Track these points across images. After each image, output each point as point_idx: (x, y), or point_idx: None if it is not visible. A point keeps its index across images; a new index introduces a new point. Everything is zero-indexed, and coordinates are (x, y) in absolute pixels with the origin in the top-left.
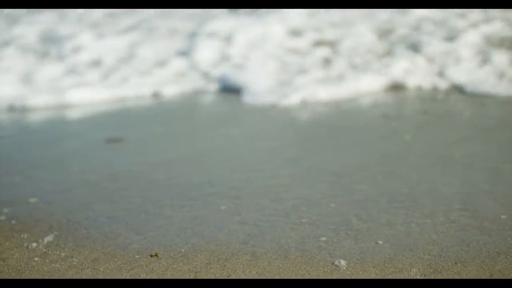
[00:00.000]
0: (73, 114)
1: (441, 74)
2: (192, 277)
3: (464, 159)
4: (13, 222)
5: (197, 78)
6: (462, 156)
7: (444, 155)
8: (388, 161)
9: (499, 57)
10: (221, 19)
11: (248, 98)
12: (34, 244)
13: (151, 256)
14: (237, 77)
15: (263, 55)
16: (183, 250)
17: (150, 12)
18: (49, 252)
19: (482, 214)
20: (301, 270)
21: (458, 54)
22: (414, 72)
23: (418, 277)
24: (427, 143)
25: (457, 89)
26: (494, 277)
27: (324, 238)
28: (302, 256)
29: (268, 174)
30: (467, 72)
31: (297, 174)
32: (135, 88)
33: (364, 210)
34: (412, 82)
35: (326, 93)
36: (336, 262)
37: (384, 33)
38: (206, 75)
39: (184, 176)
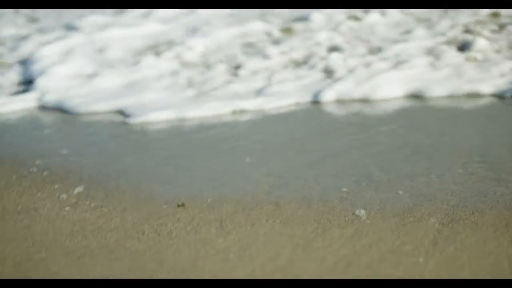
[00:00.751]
0: None
1: None
2: (217, 226)
3: (484, 112)
4: (45, 173)
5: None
6: (482, 110)
7: (465, 108)
8: (409, 115)
9: None
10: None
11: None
12: (65, 195)
13: (178, 206)
14: None
15: None
16: (209, 200)
17: None
18: (80, 202)
19: (500, 166)
20: (323, 219)
21: None
22: None
23: (437, 226)
24: (449, 97)
25: None
26: (510, 226)
27: (345, 189)
28: (324, 206)
29: (293, 127)
30: None
31: (321, 127)
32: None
33: (385, 162)
34: None
35: None
36: (356, 212)
37: None
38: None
39: (210, 130)
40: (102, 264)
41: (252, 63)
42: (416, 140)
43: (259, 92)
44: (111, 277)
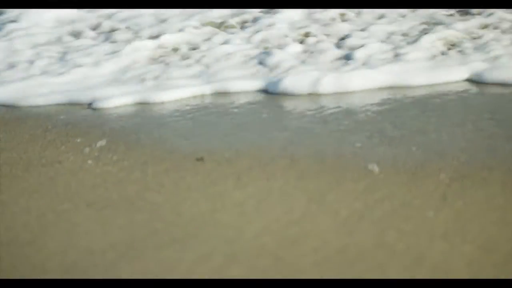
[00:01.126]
0: None
1: None
2: (235, 179)
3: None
4: (68, 127)
5: None
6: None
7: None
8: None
9: None
10: None
11: None
12: (88, 149)
13: (197, 160)
14: None
15: None
16: (227, 155)
17: None
18: (102, 156)
19: (510, 123)
20: (337, 174)
21: None
22: None
23: (447, 181)
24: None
25: None
26: None
27: (359, 144)
28: (338, 161)
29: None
30: None
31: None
32: None
33: (398, 119)
34: None
35: None
36: (369, 167)
37: None
38: None
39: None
40: (123, 216)
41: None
42: (426, 98)
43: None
44: (132, 228)
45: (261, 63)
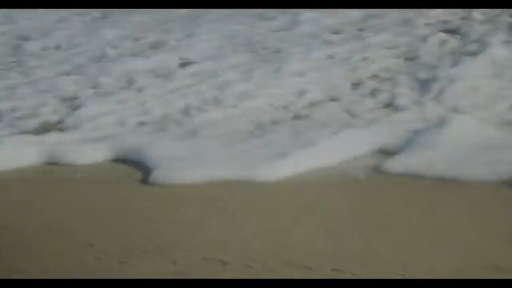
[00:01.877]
0: None
1: None
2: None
3: None
4: None
5: None
6: None
7: None
8: None
9: None
10: None
11: None
12: None
13: None
14: None
15: None
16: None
17: None
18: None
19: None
20: (325, 183)
21: None
22: None
23: (430, 193)
24: None
25: None
26: (497, 197)
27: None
28: (325, 171)
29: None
30: None
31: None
32: None
33: None
34: None
35: None
36: (356, 178)
37: None
38: None
39: None
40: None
41: None
42: None
43: None
44: (126, 235)
45: None
